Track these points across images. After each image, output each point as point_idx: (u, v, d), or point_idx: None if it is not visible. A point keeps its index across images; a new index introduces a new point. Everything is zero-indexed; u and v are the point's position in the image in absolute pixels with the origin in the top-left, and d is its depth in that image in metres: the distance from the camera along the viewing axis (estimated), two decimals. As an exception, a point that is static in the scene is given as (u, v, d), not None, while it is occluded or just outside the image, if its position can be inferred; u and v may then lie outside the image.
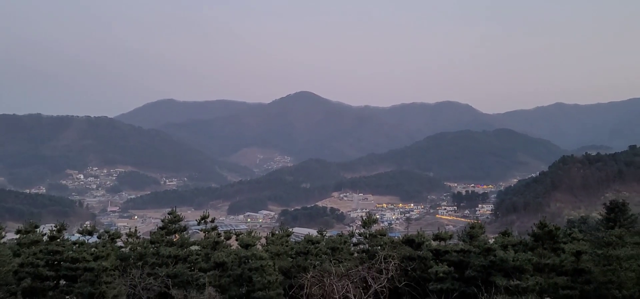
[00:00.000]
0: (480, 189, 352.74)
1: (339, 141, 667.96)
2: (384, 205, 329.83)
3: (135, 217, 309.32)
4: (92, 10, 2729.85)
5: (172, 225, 47.74)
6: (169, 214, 48.86)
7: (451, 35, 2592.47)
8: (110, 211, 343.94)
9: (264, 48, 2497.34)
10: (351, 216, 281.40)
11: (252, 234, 47.91)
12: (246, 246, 42.75)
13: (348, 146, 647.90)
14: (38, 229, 49.64)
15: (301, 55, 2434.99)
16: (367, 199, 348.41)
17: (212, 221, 50.06)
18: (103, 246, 47.71)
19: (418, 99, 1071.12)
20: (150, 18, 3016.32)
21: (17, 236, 47.26)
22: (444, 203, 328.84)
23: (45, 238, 46.99)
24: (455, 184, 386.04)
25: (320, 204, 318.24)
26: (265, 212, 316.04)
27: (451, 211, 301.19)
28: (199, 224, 50.17)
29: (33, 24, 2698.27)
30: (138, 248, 46.01)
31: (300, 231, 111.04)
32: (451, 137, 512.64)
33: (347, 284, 29.07)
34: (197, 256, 44.36)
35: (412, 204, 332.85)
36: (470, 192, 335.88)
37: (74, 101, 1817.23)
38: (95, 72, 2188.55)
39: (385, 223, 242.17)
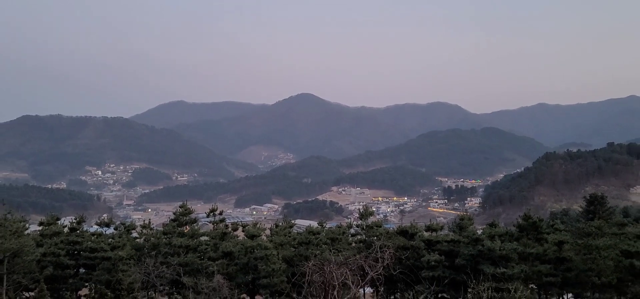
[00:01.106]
0: (469, 183, 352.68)
1: (338, 139, 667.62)
2: (380, 198, 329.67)
3: (149, 210, 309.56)
4: (109, 18, 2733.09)
5: (183, 217, 47.82)
6: (180, 207, 48.96)
7: (442, 40, 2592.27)
8: (126, 204, 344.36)
9: (267, 53, 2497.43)
10: (349, 208, 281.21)
11: (257, 226, 47.95)
12: (252, 236, 42.85)
13: (346, 143, 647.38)
14: (59, 222, 49.79)
15: (302, 60, 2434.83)
16: (364, 193, 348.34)
17: (220, 213, 50.25)
18: (119, 237, 47.90)
19: (411, 100, 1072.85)
20: (163, 25, 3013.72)
21: (40, 228, 47.46)
22: (435, 197, 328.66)
23: (65, 230, 47.18)
24: (446, 179, 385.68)
25: (320, 198, 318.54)
26: (269, 205, 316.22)
27: (442, 204, 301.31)
28: (208, 216, 50.35)
29: (54, 29, 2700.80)
30: (152, 238, 46.11)
31: (302, 223, 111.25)
32: (442, 136, 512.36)
33: (346, 272, 28.97)
34: (207, 246, 44.47)
35: (405, 198, 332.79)
36: (459, 186, 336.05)
37: (92, 102, 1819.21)
38: (112, 75, 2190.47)
39: (381, 215, 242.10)
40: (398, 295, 42.12)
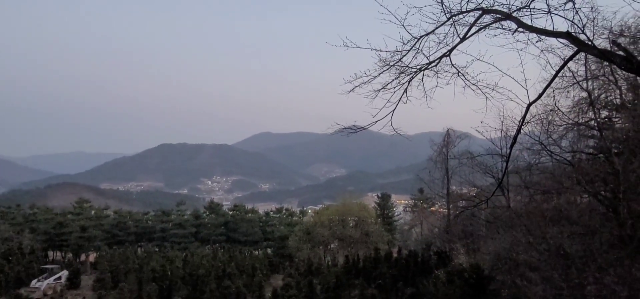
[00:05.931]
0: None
1: (378, 158, 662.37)
2: (402, 201, 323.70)
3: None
4: (221, 68, 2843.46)
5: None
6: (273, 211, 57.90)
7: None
8: (226, 204, 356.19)
9: (329, 96, 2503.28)
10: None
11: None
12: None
13: (384, 161, 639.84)
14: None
15: (352, 103, 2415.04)
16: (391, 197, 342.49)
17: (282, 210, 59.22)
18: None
19: (433, 129, 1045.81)
20: (256, 73, 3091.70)
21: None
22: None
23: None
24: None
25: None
26: (321, 205, 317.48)
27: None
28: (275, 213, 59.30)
29: (184, 73, 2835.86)
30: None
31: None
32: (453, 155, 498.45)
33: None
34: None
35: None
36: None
37: (206, 131, 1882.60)
38: (220, 111, 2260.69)
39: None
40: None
